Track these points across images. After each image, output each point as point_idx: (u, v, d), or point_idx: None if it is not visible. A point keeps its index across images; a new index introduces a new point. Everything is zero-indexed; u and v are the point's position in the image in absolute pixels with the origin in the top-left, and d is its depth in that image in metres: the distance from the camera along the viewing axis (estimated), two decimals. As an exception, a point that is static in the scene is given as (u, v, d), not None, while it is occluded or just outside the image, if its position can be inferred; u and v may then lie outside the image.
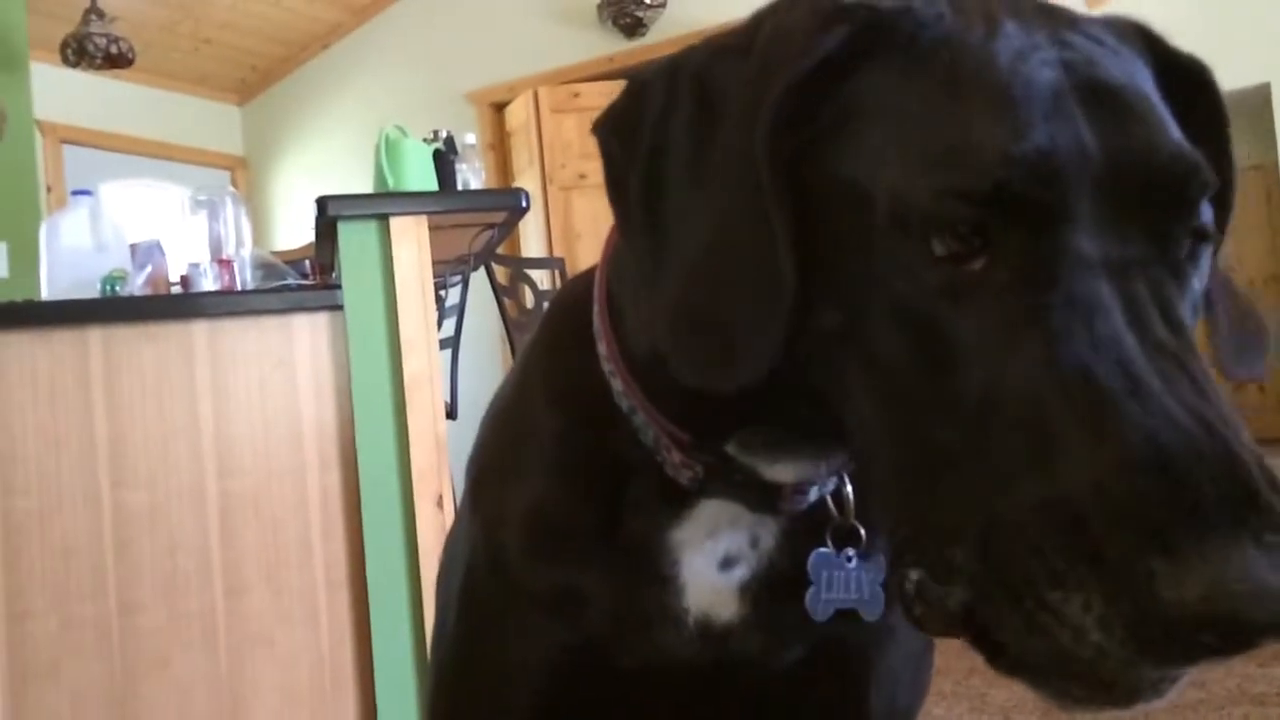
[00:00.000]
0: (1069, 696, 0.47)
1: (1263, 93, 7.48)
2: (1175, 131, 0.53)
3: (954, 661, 2.74)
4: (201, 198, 2.49)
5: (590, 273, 0.72)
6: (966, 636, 0.49)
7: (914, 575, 0.50)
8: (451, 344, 3.36)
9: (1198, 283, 0.53)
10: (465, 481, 0.79)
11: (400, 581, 2.10)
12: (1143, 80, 0.55)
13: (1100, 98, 0.51)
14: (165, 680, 2.02)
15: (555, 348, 0.75)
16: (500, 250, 3.98)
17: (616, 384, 0.67)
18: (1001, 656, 0.48)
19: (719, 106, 0.56)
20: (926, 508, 0.49)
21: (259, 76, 7.32)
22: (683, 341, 0.55)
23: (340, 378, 2.17)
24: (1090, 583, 0.42)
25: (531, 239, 5.64)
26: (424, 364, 2.18)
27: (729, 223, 0.54)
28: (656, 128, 0.58)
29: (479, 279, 3.53)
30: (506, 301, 3.64)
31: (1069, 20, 0.55)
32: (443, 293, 3.49)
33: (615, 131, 0.60)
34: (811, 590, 0.67)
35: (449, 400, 3.26)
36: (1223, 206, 0.60)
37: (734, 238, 0.53)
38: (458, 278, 3.29)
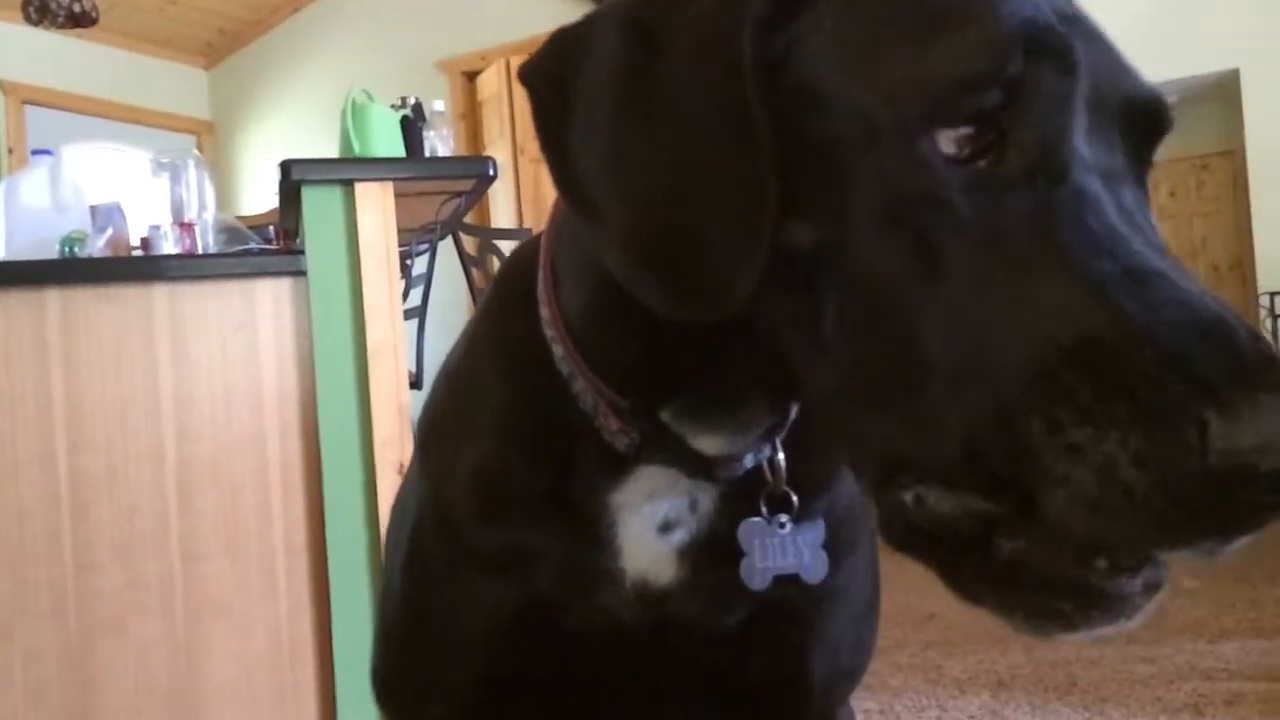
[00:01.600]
0: (1042, 613, 0.47)
1: (1232, 79, 7.55)
2: (1144, 78, 0.55)
3: (911, 634, 2.78)
4: (164, 160, 2.45)
5: (539, 240, 0.72)
6: (962, 555, 0.48)
7: (910, 493, 0.48)
8: (418, 313, 3.34)
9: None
10: (415, 440, 0.79)
11: (360, 550, 2.09)
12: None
13: (1076, 25, 0.52)
14: (121, 643, 2.01)
15: (502, 313, 0.75)
16: (470, 220, 3.95)
17: (557, 349, 0.67)
18: (987, 576, 0.47)
19: (665, 42, 0.54)
20: (928, 412, 0.47)
21: (227, 40, 7.21)
22: (650, 273, 0.53)
23: (302, 344, 2.15)
24: (1128, 421, 0.41)
25: (501, 210, 5.61)
26: (387, 332, 2.17)
27: (696, 148, 0.52)
28: (593, 72, 0.57)
29: (447, 248, 3.51)
30: (474, 271, 3.62)
31: None
32: (410, 261, 3.47)
33: (544, 76, 0.59)
34: (746, 560, 0.67)
35: (414, 370, 3.24)
36: None
37: (707, 161, 0.52)
38: (424, 246, 3.27)
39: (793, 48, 0.52)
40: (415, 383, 2.97)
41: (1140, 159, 0.52)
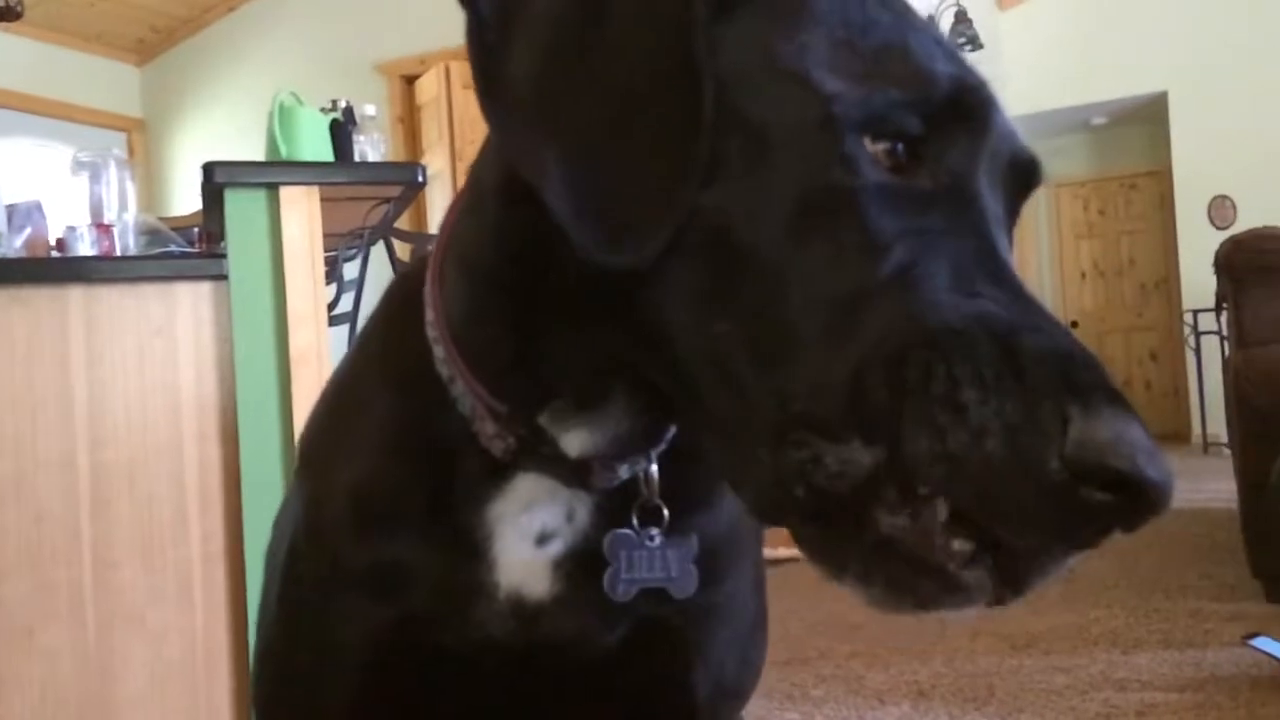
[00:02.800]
0: (902, 589, 0.48)
1: (1160, 101, 7.76)
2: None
3: (835, 644, 2.80)
4: (84, 159, 2.40)
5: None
6: (838, 523, 0.49)
7: (804, 451, 0.49)
8: (350, 319, 3.31)
9: None
10: (297, 456, 0.78)
11: (279, 558, 2.06)
12: None
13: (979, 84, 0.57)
14: (30, 650, 1.95)
15: (388, 321, 0.75)
16: (405, 226, 3.92)
17: (439, 351, 0.67)
18: (856, 546, 0.49)
19: None
20: (825, 367, 0.49)
21: (160, 37, 7.09)
22: (587, 206, 0.53)
23: (223, 350, 2.12)
24: (1010, 398, 0.45)
25: (437, 215, 5.58)
26: (311, 338, 2.14)
27: (641, 84, 0.53)
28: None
29: (380, 253, 3.47)
30: (406, 277, 3.58)
31: None
32: (341, 266, 3.43)
33: None
34: (610, 570, 0.67)
35: (343, 376, 3.20)
36: None
37: (651, 98, 0.53)
38: (355, 251, 3.24)
39: (735, 31, 0.54)
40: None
41: (1014, 211, 0.58)
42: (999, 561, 0.47)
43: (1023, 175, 0.58)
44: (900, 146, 0.52)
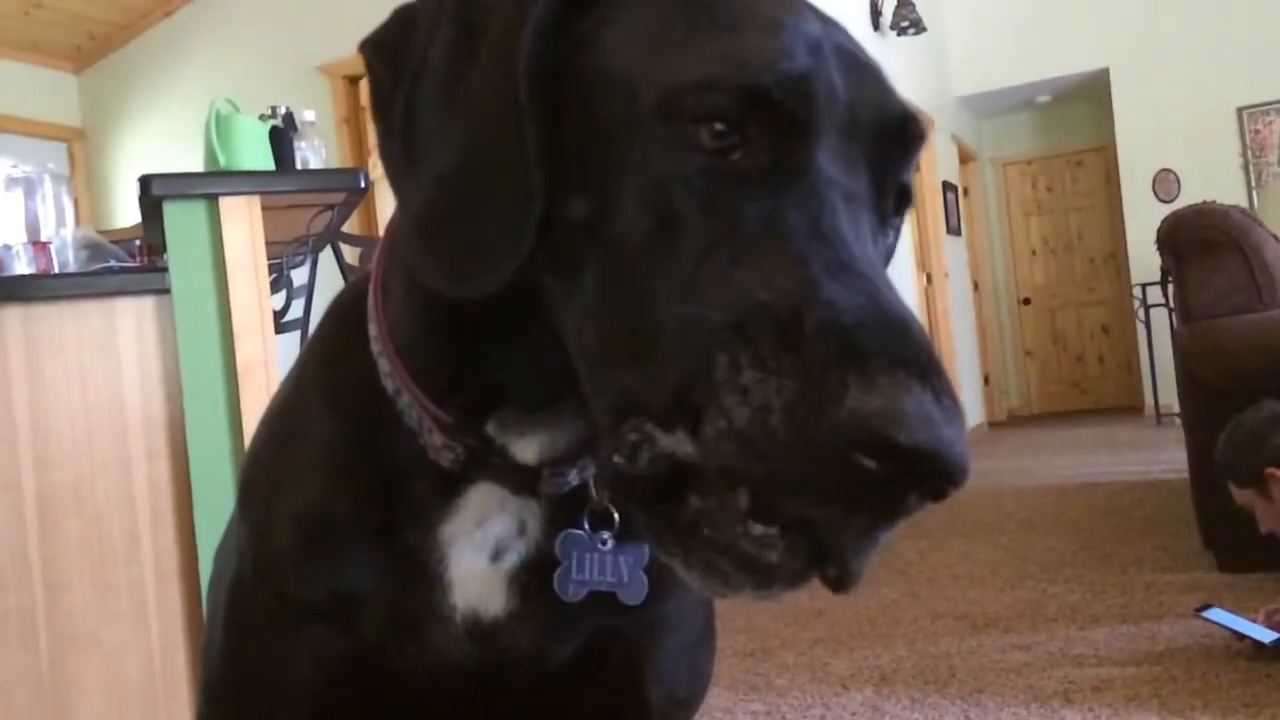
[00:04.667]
0: (711, 572, 0.50)
1: (1102, 77, 7.85)
2: (902, 97, 0.60)
3: (799, 632, 2.82)
4: (17, 175, 2.35)
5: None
6: (660, 505, 0.51)
7: (635, 435, 0.51)
8: (300, 325, 3.27)
9: (892, 238, 0.62)
10: (237, 487, 0.77)
11: (234, 573, 2.04)
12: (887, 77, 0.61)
13: (850, 62, 0.57)
14: (-19, 681, 1.92)
15: (330, 339, 0.74)
16: (352, 230, 3.88)
17: (384, 364, 0.67)
18: (674, 529, 0.50)
19: (481, 26, 0.58)
20: (656, 363, 0.51)
21: (97, 44, 6.96)
22: (431, 248, 0.57)
23: (169, 364, 2.09)
24: (788, 375, 0.46)
25: (385, 218, 5.53)
26: (258, 349, 2.12)
27: (483, 134, 0.56)
28: (419, 49, 0.59)
29: (328, 257, 3.44)
30: (356, 282, 3.55)
31: (837, 23, 0.62)
32: (289, 273, 3.39)
33: (380, 51, 0.62)
34: (561, 569, 0.67)
35: (296, 383, 3.17)
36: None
37: (488, 147, 0.56)
38: (302, 258, 3.20)
39: (586, 38, 0.57)
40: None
41: (885, 182, 0.58)
42: (811, 541, 0.48)
43: (894, 135, 0.58)
44: (724, 127, 0.52)
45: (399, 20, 0.62)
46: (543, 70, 0.56)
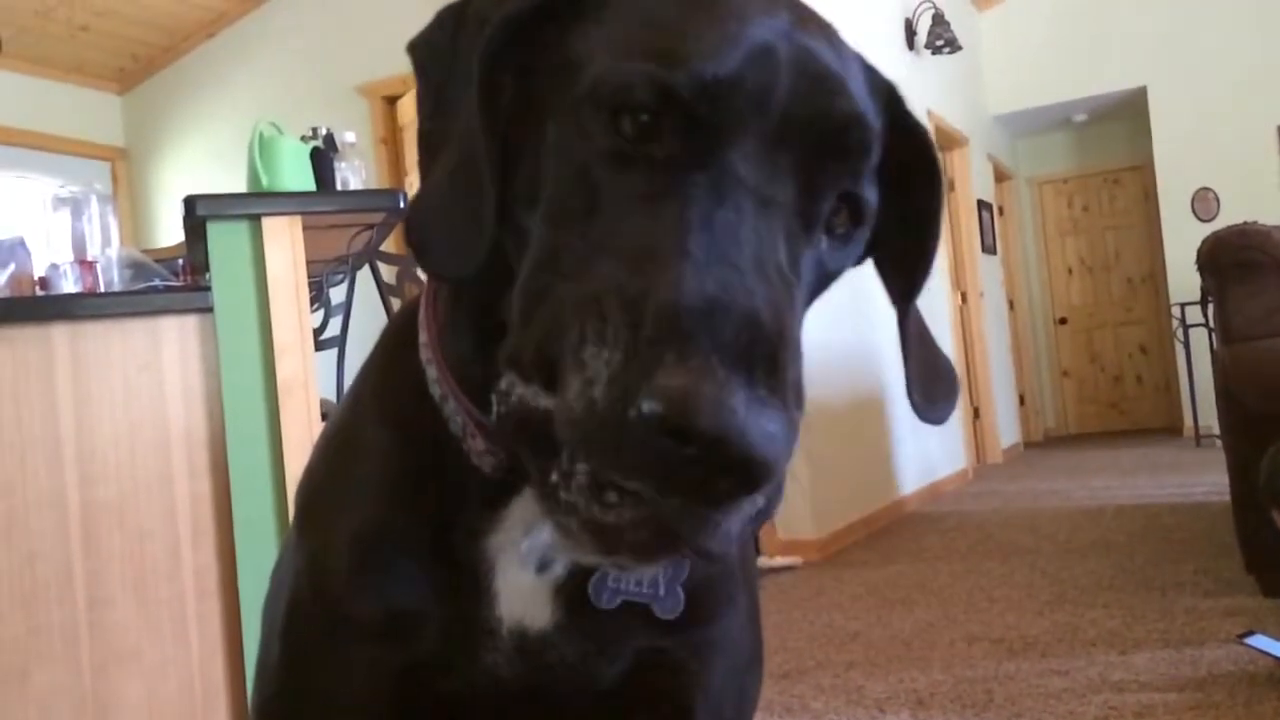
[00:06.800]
0: (565, 535, 0.51)
1: (1140, 96, 7.79)
2: (861, 102, 0.59)
3: (834, 654, 2.80)
4: (64, 195, 2.39)
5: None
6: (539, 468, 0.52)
7: (504, 383, 0.55)
8: (338, 342, 3.30)
9: (845, 260, 0.62)
10: (294, 508, 0.78)
11: (273, 590, 2.06)
12: (855, 86, 0.60)
13: (804, 68, 0.57)
14: (24, 693, 1.94)
15: (387, 359, 0.76)
16: (390, 249, 3.91)
17: (432, 371, 0.68)
18: (545, 494, 0.51)
19: (470, 29, 0.62)
20: (531, 326, 0.54)
21: (140, 65, 7.08)
22: (423, 239, 0.61)
23: (211, 382, 2.12)
24: (618, 347, 0.47)
25: (424, 235, 5.57)
26: (298, 367, 2.14)
27: (465, 140, 0.60)
28: (444, 54, 0.64)
29: (366, 276, 3.47)
30: (392, 300, 3.59)
31: (825, 30, 0.62)
32: (328, 291, 3.42)
33: (414, 53, 0.66)
34: (596, 577, 0.67)
35: (336, 399, 3.20)
36: (922, 265, 0.70)
37: (466, 151, 0.60)
38: (341, 276, 3.24)
39: (565, 33, 0.60)
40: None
41: (819, 191, 0.58)
42: (654, 516, 0.49)
43: (831, 143, 0.57)
44: (647, 118, 0.55)
45: (435, 23, 0.66)
46: (514, 67, 0.61)
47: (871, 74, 0.65)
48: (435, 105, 0.64)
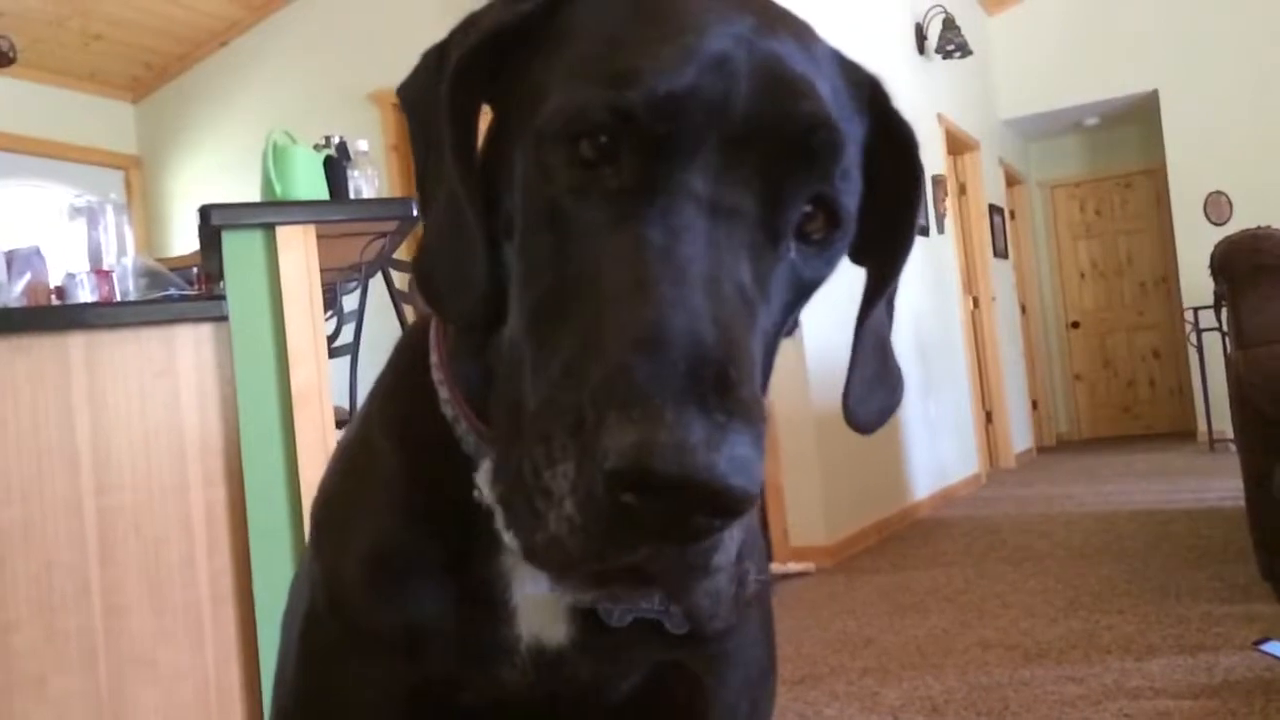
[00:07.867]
0: (560, 582, 0.52)
1: (1151, 100, 7.76)
2: (829, 103, 0.57)
3: (848, 661, 2.79)
4: (80, 204, 2.41)
5: None
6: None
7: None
8: (351, 350, 3.32)
9: (823, 267, 0.60)
10: (309, 524, 0.78)
11: (288, 597, 2.07)
12: (825, 87, 0.59)
13: (768, 75, 0.56)
14: (41, 699, 1.96)
15: (396, 376, 0.76)
16: (402, 256, 3.93)
17: (443, 392, 0.68)
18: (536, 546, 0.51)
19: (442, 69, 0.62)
20: (516, 452, 0.52)
21: (154, 74, 7.12)
22: (427, 286, 0.62)
23: (225, 390, 2.13)
24: (570, 452, 0.47)
25: (436, 242, 5.58)
26: (312, 375, 2.15)
27: (449, 184, 0.61)
28: (428, 95, 0.63)
29: (379, 283, 3.48)
30: (405, 307, 3.60)
31: (795, 31, 0.60)
32: (341, 299, 3.44)
33: (402, 96, 0.66)
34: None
35: (349, 407, 3.21)
36: (893, 264, 0.69)
37: (451, 201, 0.60)
38: (354, 284, 3.25)
39: (533, 58, 0.60)
40: (347, 421, 2.94)
41: (784, 198, 0.56)
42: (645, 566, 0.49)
43: (794, 147, 0.56)
44: (606, 139, 0.54)
45: (420, 64, 0.66)
46: (493, 96, 0.62)
47: (852, 70, 0.64)
48: (426, 147, 0.63)
